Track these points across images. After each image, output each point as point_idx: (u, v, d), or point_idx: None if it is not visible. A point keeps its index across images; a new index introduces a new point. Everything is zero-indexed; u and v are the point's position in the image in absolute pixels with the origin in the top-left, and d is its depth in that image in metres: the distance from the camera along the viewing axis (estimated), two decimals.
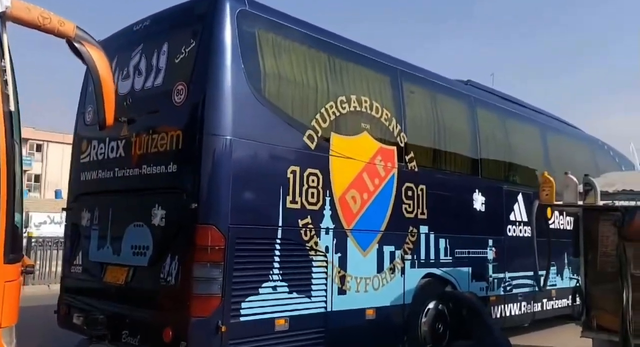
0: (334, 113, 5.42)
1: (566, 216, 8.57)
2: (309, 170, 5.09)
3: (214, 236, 4.37)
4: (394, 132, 6.07)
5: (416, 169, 6.24)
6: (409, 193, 6.10)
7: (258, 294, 4.62)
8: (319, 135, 5.23)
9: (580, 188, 4.38)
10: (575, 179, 4.43)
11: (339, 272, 5.28)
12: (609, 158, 10.24)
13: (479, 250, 7.08)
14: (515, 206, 7.81)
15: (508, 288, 7.47)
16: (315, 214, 5.10)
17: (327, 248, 5.18)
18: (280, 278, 4.79)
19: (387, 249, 5.78)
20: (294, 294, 4.89)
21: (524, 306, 7.73)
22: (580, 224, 4.98)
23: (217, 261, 4.36)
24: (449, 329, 6.44)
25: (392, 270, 5.83)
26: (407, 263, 6.00)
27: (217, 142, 4.50)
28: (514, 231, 7.68)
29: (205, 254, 4.34)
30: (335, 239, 5.25)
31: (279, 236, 4.82)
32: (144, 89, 5.09)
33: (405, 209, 6.04)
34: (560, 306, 8.33)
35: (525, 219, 7.83)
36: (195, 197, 4.40)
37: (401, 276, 5.93)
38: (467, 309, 6.14)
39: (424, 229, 6.23)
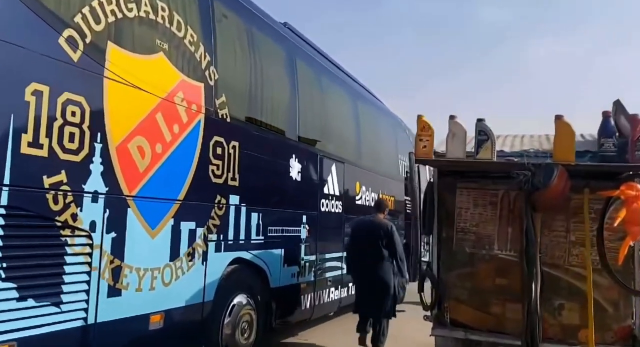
0: (113, 13, 3.44)
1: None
2: (67, 94, 3.07)
3: None
4: (202, 63, 4.32)
5: (228, 119, 4.61)
6: (218, 150, 4.45)
7: None
8: (88, 41, 3.23)
9: (469, 140, 3.31)
10: (463, 126, 3.35)
11: (112, 262, 3.37)
12: (405, 137, 10.01)
13: (293, 228, 5.82)
14: (329, 178, 6.77)
15: (319, 272, 6.39)
16: (75, 169, 3.12)
17: (93, 224, 3.23)
18: (3, 276, 2.71)
19: (186, 226, 4.05)
20: (29, 303, 2.85)
21: (333, 292, 6.78)
22: (435, 192, 4.00)
23: None
24: (256, 328, 5.05)
25: (191, 256, 4.13)
26: (212, 246, 4.36)
27: None
28: (327, 206, 6.64)
29: None
30: (107, 211, 3.32)
31: (4, 202, 2.72)
32: None
33: (213, 171, 4.37)
34: None
35: (337, 193, 6.87)
36: None
37: (202, 263, 4.26)
38: None
39: (234, 199, 4.66)
